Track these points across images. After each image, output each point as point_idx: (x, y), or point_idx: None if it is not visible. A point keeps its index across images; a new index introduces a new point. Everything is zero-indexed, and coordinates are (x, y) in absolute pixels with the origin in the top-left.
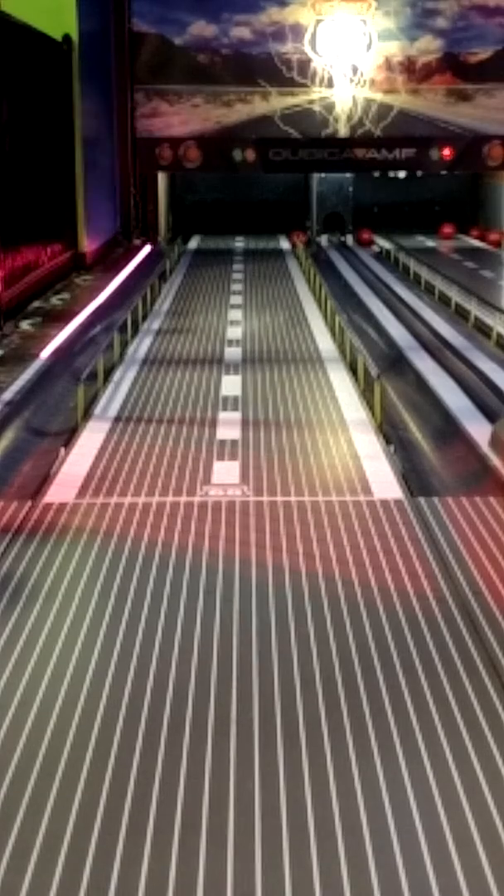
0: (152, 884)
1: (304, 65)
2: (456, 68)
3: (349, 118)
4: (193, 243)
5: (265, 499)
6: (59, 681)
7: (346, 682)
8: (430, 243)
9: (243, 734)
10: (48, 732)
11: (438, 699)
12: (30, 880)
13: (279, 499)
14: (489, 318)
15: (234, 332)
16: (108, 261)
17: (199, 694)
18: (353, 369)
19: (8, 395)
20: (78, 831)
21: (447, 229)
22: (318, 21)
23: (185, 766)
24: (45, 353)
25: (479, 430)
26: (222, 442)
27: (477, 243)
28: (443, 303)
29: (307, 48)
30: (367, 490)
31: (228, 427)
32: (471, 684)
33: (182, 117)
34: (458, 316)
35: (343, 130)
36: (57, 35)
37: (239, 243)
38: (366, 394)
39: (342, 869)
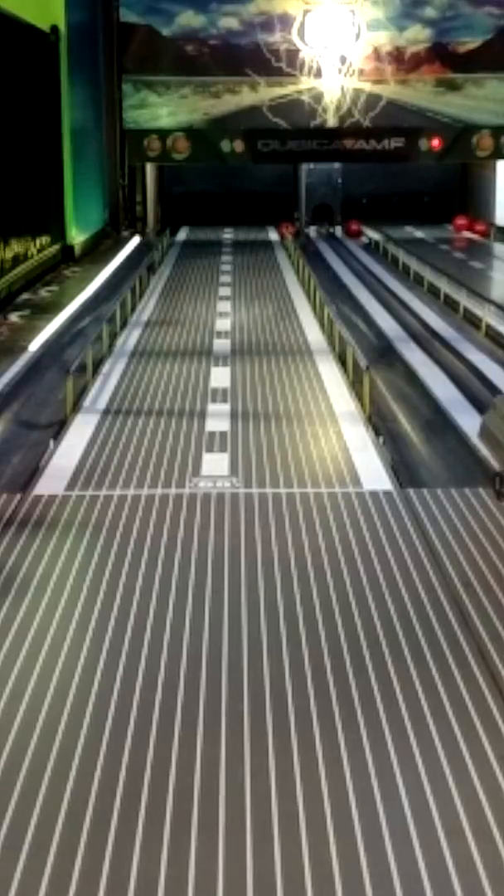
0: (143, 874)
1: (293, 55)
2: (445, 58)
3: (338, 108)
4: (182, 235)
5: (254, 490)
6: (49, 673)
7: (336, 673)
8: (419, 234)
9: (234, 725)
10: (38, 725)
11: (428, 689)
12: (21, 873)
13: (268, 490)
14: (478, 309)
15: (223, 324)
16: (97, 253)
17: (189, 685)
18: (342, 361)
19: None
20: (69, 824)
21: (460, 221)
22: (307, 11)
23: (176, 757)
24: (34, 346)
25: (468, 422)
26: (211, 434)
27: (466, 234)
28: (432, 294)
29: (295, 38)
30: (356, 482)
31: (217, 419)
32: (460, 674)
33: (170, 108)
34: (448, 307)
35: (332, 121)
36: (44, 26)
37: (227, 235)
38: (355, 385)
39: (332, 858)
